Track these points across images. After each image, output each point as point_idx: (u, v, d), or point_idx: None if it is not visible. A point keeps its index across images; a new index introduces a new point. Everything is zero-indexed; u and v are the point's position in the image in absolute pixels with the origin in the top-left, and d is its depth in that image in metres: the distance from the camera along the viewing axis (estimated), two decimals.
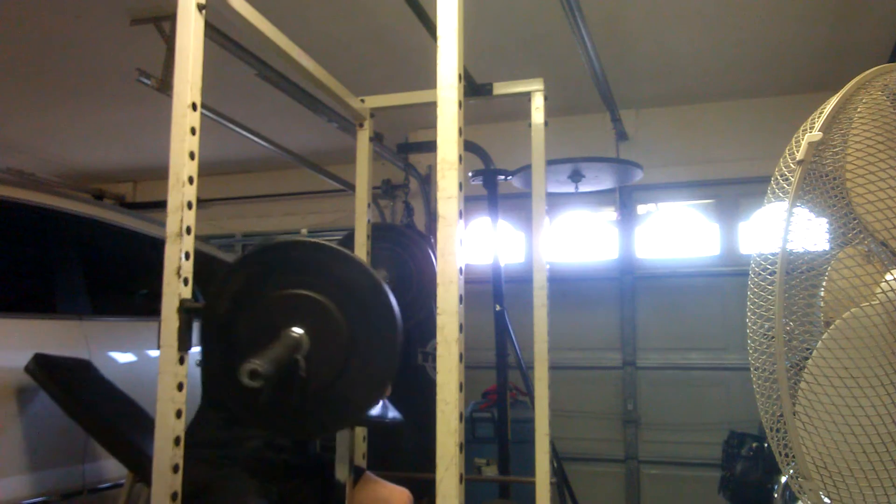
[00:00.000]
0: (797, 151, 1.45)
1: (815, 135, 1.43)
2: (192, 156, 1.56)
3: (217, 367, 1.52)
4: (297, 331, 1.35)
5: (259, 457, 2.18)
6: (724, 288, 4.61)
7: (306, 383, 1.36)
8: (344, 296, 1.39)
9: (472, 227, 4.99)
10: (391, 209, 5.53)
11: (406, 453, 3.46)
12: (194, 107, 1.58)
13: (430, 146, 2.28)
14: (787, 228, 1.43)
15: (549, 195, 2.82)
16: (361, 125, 2.65)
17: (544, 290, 2.36)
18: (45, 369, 2.44)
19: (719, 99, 4.69)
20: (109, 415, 2.51)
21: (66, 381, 2.48)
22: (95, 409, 2.47)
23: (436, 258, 1.44)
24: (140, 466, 2.34)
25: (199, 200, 1.60)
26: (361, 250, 2.63)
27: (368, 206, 2.62)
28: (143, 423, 2.48)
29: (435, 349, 1.40)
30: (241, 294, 1.44)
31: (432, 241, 3.44)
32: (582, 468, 4.64)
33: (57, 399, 2.41)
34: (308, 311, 1.37)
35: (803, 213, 1.45)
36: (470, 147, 4.02)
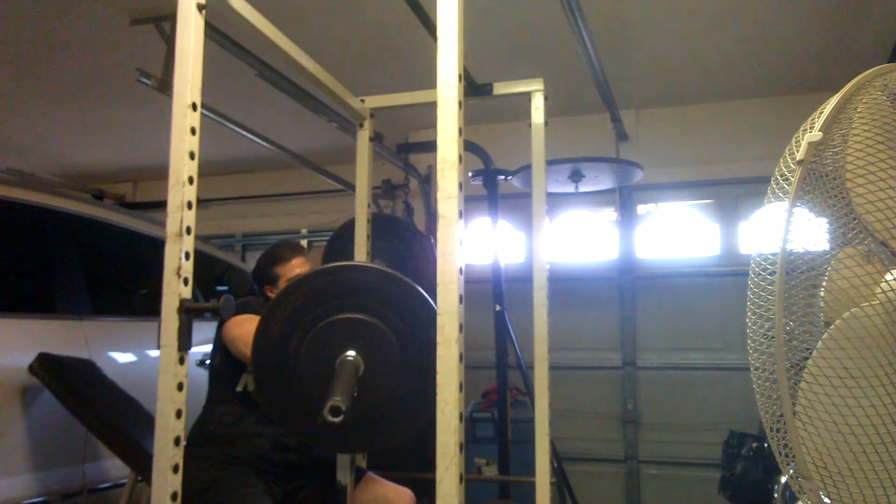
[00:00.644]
0: (797, 151, 1.45)
1: (815, 135, 1.43)
2: (192, 156, 1.56)
3: (270, 385, 1.53)
4: (351, 353, 1.37)
5: (264, 456, 2.18)
6: (724, 288, 4.61)
7: (359, 403, 1.38)
8: (396, 318, 1.40)
9: (472, 227, 4.99)
10: (391, 209, 5.53)
11: (406, 453, 3.46)
12: (194, 107, 1.58)
13: (430, 146, 2.28)
14: (787, 228, 1.43)
15: (549, 195, 2.82)
16: (361, 125, 2.65)
17: (544, 290, 2.35)
18: (49, 369, 2.45)
19: (719, 99, 4.69)
20: (113, 414, 2.51)
21: (69, 380, 2.48)
22: (99, 409, 2.48)
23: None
24: (142, 465, 2.35)
25: (199, 200, 1.60)
26: (361, 250, 2.62)
27: (368, 206, 2.62)
28: (145, 422, 2.48)
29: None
30: (295, 316, 1.46)
31: (432, 240, 3.41)
32: (582, 468, 4.64)
33: (61, 398, 2.42)
34: (361, 335, 1.39)
35: (803, 213, 1.45)
36: (470, 147, 4.02)
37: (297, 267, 2.35)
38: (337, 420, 1.21)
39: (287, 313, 1.48)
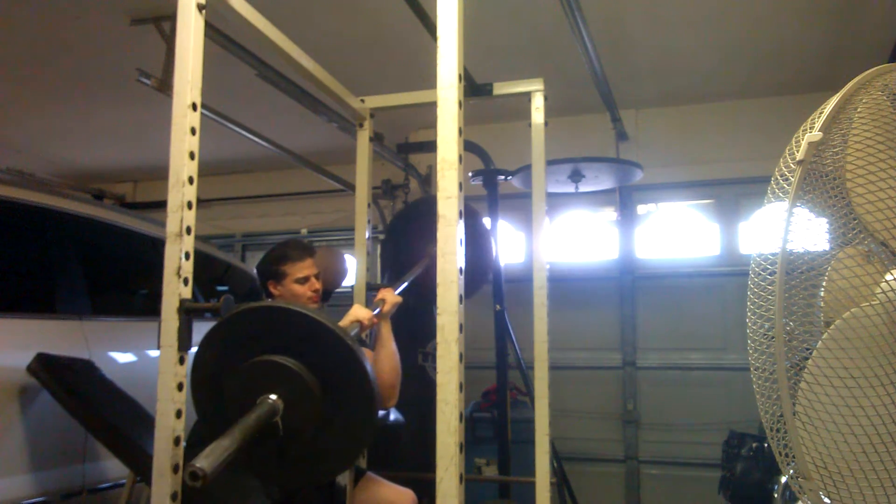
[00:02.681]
0: (797, 151, 1.45)
1: (815, 135, 1.43)
2: (192, 156, 1.56)
3: (209, 417, 1.54)
4: (272, 397, 1.36)
5: None
6: (724, 288, 4.61)
7: (285, 442, 1.37)
8: (315, 358, 1.40)
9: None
10: (391, 209, 5.53)
11: (406, 453, 3.46)
12: (194, 107, 1.58)
13: (430, 146, 2.28)
14: (787, 228, 1.43)
15: (549, 195, 2.83)
16: (361, 125, 2.66)
17: (544, 290, 2.36)
18: (48, 369, 2.44)
19: (719, 99, 4.68)
20: (111, 415, 2.51)
21: (68, 380, 2.48)
22: (97, 409, 2.47)
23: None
24: (141, 466, 2.34)
25: (199, 200, 1.60)
26: (361, 250, 2.63)
27: (368, 206, 2.63)
28: (144, 422, 2.48)
29: (435, 349, 1.40)
30: (222, 357, 1.46)
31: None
32: (582, 468, 4.64)
33: (59, 399, 2.41)
34: (280, 377, 1.38)
35: (803, 213, 1.45)
36: (470, 147, 4.02)
37: (305, 269, 2.33)
38: (196, 485, 1.15)
39: (217, 351, 1.48)
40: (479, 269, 2.80)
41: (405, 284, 2.40)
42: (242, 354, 1.43)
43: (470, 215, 2.75)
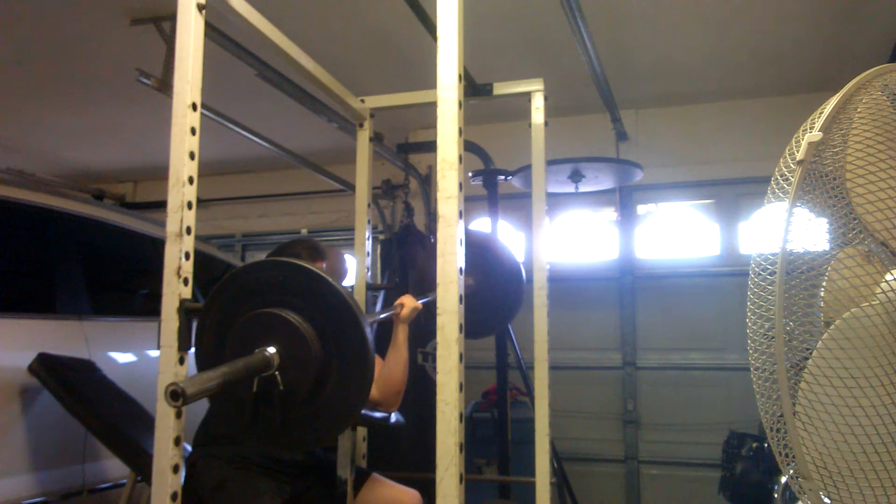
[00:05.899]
0: (797, 151, 1.45)
1: (815, 135, 1.43)
2: (192, 156, 1.56)
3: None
4: (270, 350, 1.37)
5: (273, 456, 2.18)
6: (724, 288, 4.60)
7: (284, 398, 1.37)
8: (317, 315, 1.40)
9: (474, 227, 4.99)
10: (391, 209, 5.53)
11: (406, 453, 3.46)
12: (194, 107, 1.58)
13: (430, 146, 2.28)
14: (787, 228, 1.43)
15: (549, 195, 2.82)
16: (361, 125, 2.65)
17: (544, 290, 2.36)
18: (49, 369, 2.44)
19: (719, 99, 4.68)
20: (112, 415, 2.51)
21: (69, 380, 2.48)
22: (98, 409, 2.48)
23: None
24: (142, 466, 2.35)
25: (199, 200, 1.60)
26: (361, 250, 2.63)
27: (368, 206, 2.62)
28: (145, 422, 2.48)
29: (435, 349, 1.40)
30: (228, 309, 1.46)
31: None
32: (582, 468, 4.64)
33: (60, 398, 2.42)
34: (280, 330, 1.38)
35: (803, 213, 1.45)
36: (470, 147, 4.02)
37: None
38: (176, 404, 1.18)
39: (221, 306, 1.48)
40: (504, 311, 2.75)
41: (427, 299, 2.35)
42: (246, 309, 1.43)
43: (516, 279, 2.69)
